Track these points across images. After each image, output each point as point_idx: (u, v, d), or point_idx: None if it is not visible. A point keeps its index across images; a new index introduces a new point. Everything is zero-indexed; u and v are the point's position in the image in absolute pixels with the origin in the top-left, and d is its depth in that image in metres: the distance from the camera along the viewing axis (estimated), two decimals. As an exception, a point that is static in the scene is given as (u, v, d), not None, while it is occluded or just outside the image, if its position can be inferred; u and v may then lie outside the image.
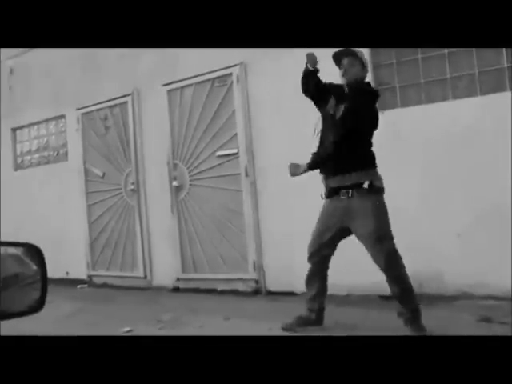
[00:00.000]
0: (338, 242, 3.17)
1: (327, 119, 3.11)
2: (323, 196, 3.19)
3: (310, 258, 3.24)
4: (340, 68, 3.08)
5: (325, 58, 4.11)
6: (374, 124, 3.06)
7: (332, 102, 3.10)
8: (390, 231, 2.96)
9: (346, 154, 2.96)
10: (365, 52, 4.14)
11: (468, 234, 3.77)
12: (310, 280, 3.26)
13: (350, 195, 2.99)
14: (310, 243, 3.23)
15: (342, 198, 3.04)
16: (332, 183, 3.09)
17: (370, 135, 3.09)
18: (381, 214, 2.96)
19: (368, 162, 3.05)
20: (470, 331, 3.02)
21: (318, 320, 3.23)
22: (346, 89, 3.10)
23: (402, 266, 2.97)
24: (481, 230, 3.72)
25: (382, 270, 2.95)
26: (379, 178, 3.04)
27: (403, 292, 2.97)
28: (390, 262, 2.91)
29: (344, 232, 3.09)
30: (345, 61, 3.06)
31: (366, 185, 2.97)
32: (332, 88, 3.16)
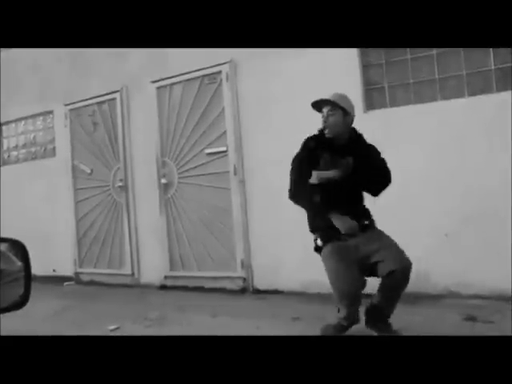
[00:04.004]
0: (364, 277, 2.84)
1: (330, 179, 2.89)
2: (319, 244, 2.90)
3: (349, 297, 2.79)
4: (321, 116, 2.94)
5: (297, 56, 4.11)
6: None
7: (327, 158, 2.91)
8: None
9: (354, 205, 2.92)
10: (354, 52, 4.22)
11: (455, 234, 3.80)
12: (351, 316, 2.89)
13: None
14: (341, 283, 2.75)
15: (343, 238, 2.82)
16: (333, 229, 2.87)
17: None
18: (389, 236, 2.87)
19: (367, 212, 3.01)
20: (455, 330, 3.06)
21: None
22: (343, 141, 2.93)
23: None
24: (468, 230, 3.75)
25: (393, 278, 2.73)
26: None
27: (389, 303, 2.86)
28: (407, 273, 2.75)
29: (362, 260, 2.81)
30: (324, 109, 2.91)
31: (365, 222, 2.92)
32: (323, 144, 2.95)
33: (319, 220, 2.89)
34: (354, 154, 2.89)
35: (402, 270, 2.71)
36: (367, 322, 2.94)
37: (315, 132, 3.02)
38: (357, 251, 2.81)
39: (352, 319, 2.91)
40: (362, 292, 2.82)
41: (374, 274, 2.81)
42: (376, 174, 2.90)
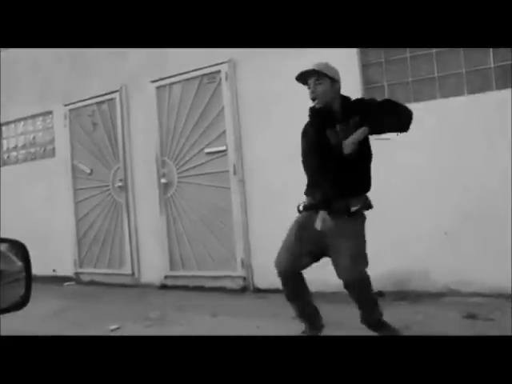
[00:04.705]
0: (313, 259, 2.85)
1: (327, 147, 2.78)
2: (301, 208, 2.90)
3: (285, 275, 2.86)
4: (308, 88, 2.82)
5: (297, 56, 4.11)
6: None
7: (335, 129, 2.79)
8: (367, 255, 2.79)
9: (345, 177, 2.75)
10: (353, 51, 4.21)
11: (455, 232, 3.80)
12: (292, 298, 2.95)
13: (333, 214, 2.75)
14: (279, 258, 2.89)
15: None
16: (311, 201, 2.85)
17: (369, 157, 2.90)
18: (361, 237, 2.78)
19: (363, 186, 2.87)
20: (455, 327, 3.06)
21: (319, 324, 3.00)
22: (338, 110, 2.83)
23: (370, 290, 2.81)
24: (468, 228, 3.76)
25: (345, 287, 2.77)
26: (368, 204, 2.88)
27: (364, 309, 2.85)
28: (360, 285, 2.74)
29: (319, 247, 2.80)
30: (310, 80, 2.78)
31: (353, 209, 2.78)
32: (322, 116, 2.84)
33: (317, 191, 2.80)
34: (359, 113, 2.77)
35: (348, 283, 2.71)
36: (365, 324, 2.91)
37: (308, 118, 2.93)
38: (321, 236, 2.75)
39: (299, 308, 2.94)
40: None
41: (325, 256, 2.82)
42: (389, 112, 2.76)
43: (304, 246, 2.81)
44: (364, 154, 2.83)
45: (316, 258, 2.86)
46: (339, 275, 2.74)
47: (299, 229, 2.87)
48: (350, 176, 2.75)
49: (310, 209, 2.87)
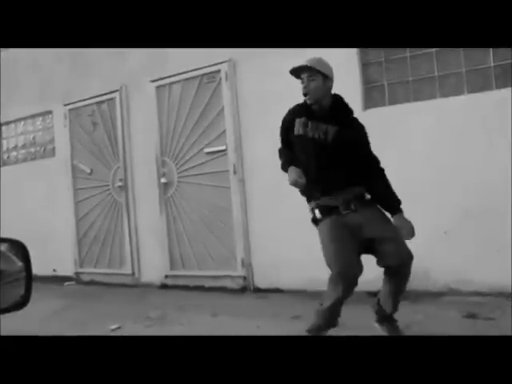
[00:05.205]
0: (360, 256, 2.73)
1: (309, 143, 2.81)
2: (318, 216, 2.78)
3: (351, 286, 2.64)
4: (301, 83, 2.84)
5: (297, 55, 4.12)
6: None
7: (307, 123, 2.83)
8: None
9: (345, 171, 2.76)
10: (353, 51, 4.21)
11: (455, 231, 3.81)
12: (340, 304, 2.78)
13: (353, 208, 2.73)
14: (343, 273, 2.63)
15: (344, 213, 2.73)
16: (327, 202, 2.76)
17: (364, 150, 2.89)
18: (390, 220, 2.79)
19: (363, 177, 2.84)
20: (455, 327, 3.06)
21: (336, 320, 2.90)
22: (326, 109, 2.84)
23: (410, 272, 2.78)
24: (468, 227, 3.76)
25: (394, 272, 2.73)
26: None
27: (395, 296, 2.83)
28: (409, 266, 2.71)
29: (361, 243, 2.71)
30: (304, 75, 2.80)
31: (368, 196, 2.79)
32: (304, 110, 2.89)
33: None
34: (339, 124, 2.79)
35: (401, 265, 2.68)
36: (376, 318, 2.91)
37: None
38: (359, 231, 2.70)
39: (333, 311, 2.81)
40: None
41: (370, 252, 2.74)
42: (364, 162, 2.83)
43: (352, 248, 2.69)
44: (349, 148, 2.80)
45: (360, 255, 2.76)
46: (391, 261, 2.67)
47: (338, 235, 2.72)
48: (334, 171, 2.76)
49: (327, 215, 2.77)
